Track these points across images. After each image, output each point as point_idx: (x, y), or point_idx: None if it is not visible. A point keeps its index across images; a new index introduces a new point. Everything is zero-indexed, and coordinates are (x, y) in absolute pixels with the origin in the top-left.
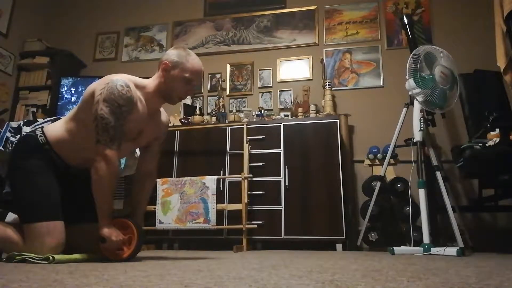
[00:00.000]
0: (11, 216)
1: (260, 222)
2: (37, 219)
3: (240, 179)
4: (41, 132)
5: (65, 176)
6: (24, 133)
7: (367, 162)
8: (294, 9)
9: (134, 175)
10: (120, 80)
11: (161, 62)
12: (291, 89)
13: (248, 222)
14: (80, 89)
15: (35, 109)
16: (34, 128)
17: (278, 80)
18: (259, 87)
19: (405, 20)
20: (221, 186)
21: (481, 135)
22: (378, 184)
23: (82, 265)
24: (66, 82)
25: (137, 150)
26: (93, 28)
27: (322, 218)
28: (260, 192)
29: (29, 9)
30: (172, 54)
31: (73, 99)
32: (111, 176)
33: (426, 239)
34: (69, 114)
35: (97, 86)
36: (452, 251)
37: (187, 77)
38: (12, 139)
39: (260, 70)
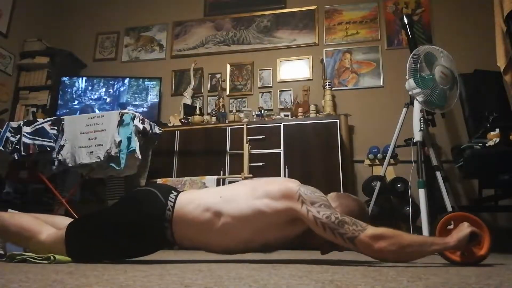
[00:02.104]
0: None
1: None
2: (69, 253)
3: (240, 179)
4: (172, 204)
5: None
6: (155, 191)
7: (367, 162)
8: (294, 9)
9: None
10: (300, 183)
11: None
12: (291, 89)
13: None
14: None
15: (35, 109)
16: (169, 194)
17: (278, 80)
18: (259, 87)
19: (405, 20)
20: (221, 186)
21: (481, 135)
22: (378, 184)
23: (82, 265)
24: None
25: (138, 151)
26: (93, 28)
27: None
28: None
29: (29, 9)
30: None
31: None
32: (396, 237)
33: None
34: (208, 203)
35: (286, 202)
36: None
37: None
38: (12, 139)
39: (260, 70)
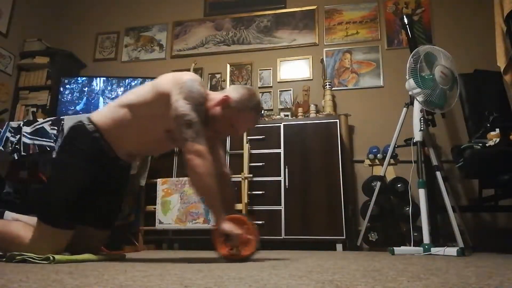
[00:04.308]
0: (8, 215)
1: (260, 222)
2: (52, 223)
3: (240, 179)
4: (88, 121)
5: (108, 172)
6: (69, 126)
7: (367, 162)
8: (294, 9)
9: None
10: (195, 80)
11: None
12: (291, 89)
13: None
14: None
15: (35, 109)
16: (77, 120)
17: (278, 80)
18: (259, 87)
19: (405, 20)
20: None
21: (481, 135)
22: (378, 184)
23: (82, 265)
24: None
25: None
26: (93, 28)
27: (322, 218)
28: (260, 192)
29: (29, 9)
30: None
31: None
32: (210, 169)
33: (426, 239)
34: (118, 101)
35: (171, 86)
36: (452, 251)
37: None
38: (12, 139)
39: (260, 70)
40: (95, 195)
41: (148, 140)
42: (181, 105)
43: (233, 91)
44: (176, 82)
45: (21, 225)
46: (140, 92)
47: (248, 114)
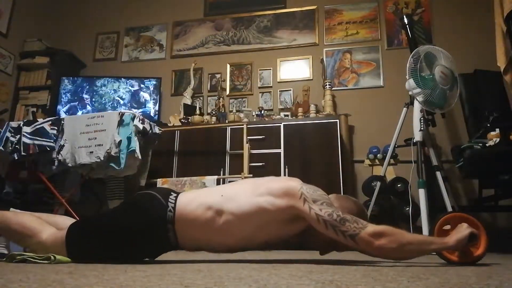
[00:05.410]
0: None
1: None
2: (69, 251)
3: (240, 179)
4: (172, 206)
5: (155, 251)
6: (153, 193)
7: (367, 162)
8: (294, 9)
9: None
10: (301, 182)
11: None
12: (291, 89)
13: None
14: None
15: (35, 109)
16: (169, 196)
17: (278, 80)
18: (259, 87)
19: (405, 20)
20: (221, 185)
21: (481, 135)
22: (378, 184)
23: (82, 265)
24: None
25: (138, 151)
26: (93, 28)
27: None
28: None
29: (29, 9)
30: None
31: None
32: (396, 233)
33: None
34: (207, 200)
35: (287, 200)
36: None
37: None
38: (12, 139)
39: (260, 70)
40: (127, 255)
41: (237, 244)
42: (317, 210)
43: (342, 204)
44: (291, 194)
45: (34, 217)
46: (239, 201)
47: None
